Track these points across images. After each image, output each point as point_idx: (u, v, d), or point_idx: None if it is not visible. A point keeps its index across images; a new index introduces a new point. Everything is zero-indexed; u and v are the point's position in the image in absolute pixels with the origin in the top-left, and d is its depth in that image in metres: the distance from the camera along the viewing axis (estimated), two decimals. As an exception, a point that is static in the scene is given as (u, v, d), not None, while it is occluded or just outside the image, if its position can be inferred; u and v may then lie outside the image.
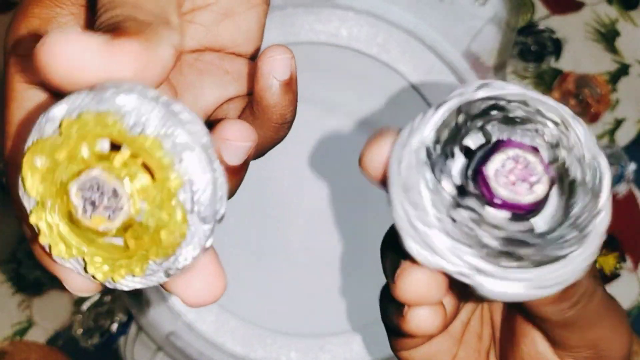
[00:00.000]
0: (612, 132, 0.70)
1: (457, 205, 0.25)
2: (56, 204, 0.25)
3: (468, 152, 0.26)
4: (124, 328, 0.67)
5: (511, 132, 0.26)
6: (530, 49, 0.71)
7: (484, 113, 0.26)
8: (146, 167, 0.25)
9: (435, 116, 0.26)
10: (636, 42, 0.71)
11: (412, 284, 0.27)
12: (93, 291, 0.27)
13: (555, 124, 0.26)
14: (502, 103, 0.26)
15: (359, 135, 0.66)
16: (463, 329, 0.34)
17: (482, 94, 0.26)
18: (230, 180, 0.29)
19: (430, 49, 0.64)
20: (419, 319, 0.28)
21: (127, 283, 0.26)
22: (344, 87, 0.65)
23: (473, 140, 0.26)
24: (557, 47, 0.71)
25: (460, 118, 0.26)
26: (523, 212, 0.25)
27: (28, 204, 0.26)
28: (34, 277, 0.67)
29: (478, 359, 0.34)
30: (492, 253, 0.25)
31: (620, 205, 0.69)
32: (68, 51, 0.24)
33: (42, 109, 0.25)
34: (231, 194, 0.31)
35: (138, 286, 0.26)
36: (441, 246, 0.25)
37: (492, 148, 0.25)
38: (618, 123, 0.70)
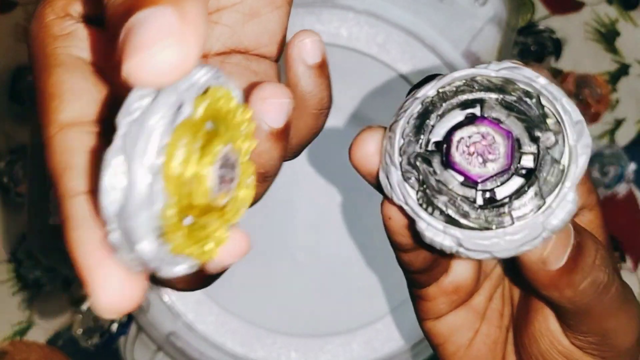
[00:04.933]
0: (612, 132, 0.70)
1: (421, 156, 0.28)
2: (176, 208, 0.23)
3: (467, 119, 0.29)
4: (124, 328, 0.67)
5: (503, 116, 0.28)
6: (530, 49, 0.70)
7: (487, 90, 0.28)
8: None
9: (446, 78, 0.28)
10: (636, 42, 0.71)
11: (363, 144, 0.29)
12: (127, 306, 0.23)
13: (546, 124, 0.28)
14: (509, 87, 0.28)
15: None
16: (486, 305, 0.35)
17: (500, 73, 0.28)
18: (274, 149, 0.28)
19: (430, 49, 0.64)
20: (392, 211, 0.30)
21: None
22: (344, 87, 0.65)
23: (477, 111, 0.28)
24: (557, 47, 0.71)
25: (465, 87, 0.28)
26: (472, 181, 0.28)
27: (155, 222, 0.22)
28: (34, 277, 0.67)
29: (499, 336, 0.35)
30: (429, 203, 0.28)
31: (620, 205, 0.69)
32: (166, 60, 0.21)
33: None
34: (277, 167, 0.30)
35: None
36: (395, 182, 0.28)
37: (470, 120, 0.28)
38: (618, 123, 0.70)
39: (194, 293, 0.64)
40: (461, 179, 0.28)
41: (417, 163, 0.28)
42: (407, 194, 0.28)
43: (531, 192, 0.28)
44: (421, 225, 0.28)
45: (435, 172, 0.28)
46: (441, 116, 0.28)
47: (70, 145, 0.26)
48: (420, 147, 0.28)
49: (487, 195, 0.28)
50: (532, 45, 0.71)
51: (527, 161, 0.28)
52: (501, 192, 0.28)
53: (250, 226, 0.71)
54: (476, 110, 0.28)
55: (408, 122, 0.28)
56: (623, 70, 0.70)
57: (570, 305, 0.30)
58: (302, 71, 0.30)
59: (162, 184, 0.22)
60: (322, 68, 0.31)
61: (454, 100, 0.28)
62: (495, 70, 0.28)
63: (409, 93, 0.30)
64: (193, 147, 0.23)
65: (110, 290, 0.22)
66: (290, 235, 0.66)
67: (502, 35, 0.64)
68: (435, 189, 0.28)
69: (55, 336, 0.67)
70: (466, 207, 0.28)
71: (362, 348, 0.63)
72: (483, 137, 0.27)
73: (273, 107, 0.28)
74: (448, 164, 0.28)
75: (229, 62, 0.32)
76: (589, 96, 0.70)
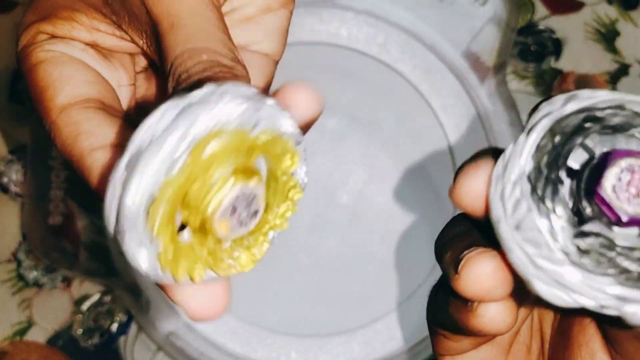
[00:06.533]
0: (612, 132, 0.70)
1: (581, 233, 0.23)
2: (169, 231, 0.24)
3: (573, 173, 0.23)
4: (124, 328, 0.67)
5: (614, 142, 0.23)
6: (530, 49, 0.70)
7: (580, 128, 0.23)
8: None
9: (528, 142, 0.23)
10: (636, 42, 0.71)
11: (477, 276, 0.24)
12: (219, 312, 0.27)
13: None
14: (595, 113, 0.23)
15: (359, 135, 0.66)
16: (512, 339, 0.32)
17: (571, 107, 0.23)
18: None
19: (430, 49, 0.64)
20: (492, 314, 0.25)
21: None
22: (344, 87, 0.65)
23: (575, 160, 0.23)
24: (557, 47, 0.71)
25: (556, 139, 0.23)
26: None
27: (151, 247, 0.24)
28: (34, 277, 0.67)
29: None
30: (633, 277, 0.22)
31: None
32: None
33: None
34: None
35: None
36: (575, 281, 0.22)
37: (600, 163, 0.23)
38: (618, 123, 0.70)
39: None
40: (636, 231, 0.23)
41: (587, 244, 0.23)
42: (604, 284, 0.22)
43: None
44: (633, 309, 0.22)
45: (611, 241, 0.23)
46: (559, 181, 0.23)
47: (75, 118, 0.28)
48: (574, 226, 0.23)
49: None
50: (532, 45, 0.71)
51: None
52: None
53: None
54: (573, 160, 0.24)
55: (537, 209, 0.23)
56: (623, 70, 0.70)
57: None
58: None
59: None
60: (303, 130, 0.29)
61: (562, 158, 0.23)
62: (561, 106, 0.23)
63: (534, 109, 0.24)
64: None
65: (197, 303, 0.26)
66: (291, 235, 0.66)
67: (502, 35, 0.64)
68: (629, 257, 0.23)
69: (55, 336, 0.67)
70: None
71: (362, 348, 0.63)
72: (631, 171, 0.22)
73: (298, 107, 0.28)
74: (617, 222, 0.22)
75: None
76: (589, 96, 0.70)
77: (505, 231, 0.23)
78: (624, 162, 0.22)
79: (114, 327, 0.67)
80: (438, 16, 0.64)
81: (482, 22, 0.64)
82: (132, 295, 0.64)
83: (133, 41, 0.31)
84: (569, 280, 0.22)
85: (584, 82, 0.70)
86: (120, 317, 0.67)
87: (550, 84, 0.70)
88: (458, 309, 0.26)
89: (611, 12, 0.71)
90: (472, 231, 0.26)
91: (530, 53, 0.70)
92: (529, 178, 0.23)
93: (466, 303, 0.26)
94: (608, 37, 0.71)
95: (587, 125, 0.23)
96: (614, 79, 0.70)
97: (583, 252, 0.22)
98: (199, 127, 0.22)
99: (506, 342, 0.32)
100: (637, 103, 0.23)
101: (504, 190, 0.23)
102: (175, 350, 0.63)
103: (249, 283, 0.65)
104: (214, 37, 0.27)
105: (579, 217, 0.23)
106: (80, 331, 0.67)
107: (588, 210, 0.23)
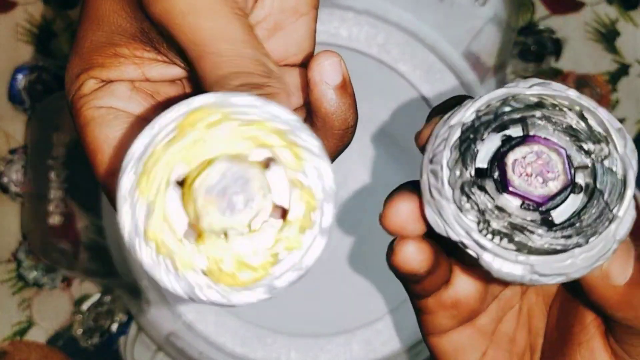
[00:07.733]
0: (612, 132, 0.70)
1: (474, 184, 0.27)
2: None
3: (507, 141, 0.28)
4: (124, 328, 0.67)
5: (549, 133, 0.27)
6: (530, 49, 0.70)
7: (528, 108, 0.27)
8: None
9: (481, 100, 0.27)
10: (636, 42, 0.71)
11: (395, 212, 0.29)
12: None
13: (595, 136, 0.27)
14: (548, 102, 0.27)
15: (359, 135, 0.66)
16: (494, 327, 0.33)
17: (534, 90, 0.27)
18: (345, 101, 0.31)
19: (430, 49, 0.64)
20: (404, 251, 0.29)
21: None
22: (344, 87, 0.65)
23: (514, 131, 0.28)
24: (557, 47, 0.71)
25: (504, 108, 0.27)
26: (534, 204, 0.27)
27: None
28: (34, 277, 0.67)
29: None
30: (494, 232, 0.27)
31: (620, 205, 0.68)
32: None
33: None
34: (354, 116, 0.32)
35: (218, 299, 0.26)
36: (450, 216, 0.27)
37: (521, 140, 0.27)
38: (618, 123, 0.70)
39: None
40: (519, 202, 0.27)
41: (472, 192, 0.27)
42: (468, 227, 0.27)
43: (598, 206, 0.27)
44: (487, 258, 0.27)
45: (493, 199, 0.27)
46: (483, 141, 0.27)
47: None
48: (470, 175, 0.27)
49: (550, 215, 0.27)
50: (532, 45, 0.71)
51: (581, 176, 0.27)
52: (562, 211, 0.27)
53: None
54: (513, 131, 0.28)
55: (451, 152, 0.27)
56: (623, 70, 0.70)
57: None
58: (324, 93, 0.30)
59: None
60: (344, 88, 0.31)
61: (496, 123, 0.27)
62: (527, 87, 0.27)
63: (429, 117, 0.29)
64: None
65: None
66: (290, 235, 0.66)
67: (502, 35, 0.64)
68: (497, 217, 0.27)
69: (55, 336, 0.67)
70: (536, 231, 0.27)
71: (362, 348, 0.63)
72: (538, 156, 0.27)
73: (328, 68, 0.30)
74: (504, 188, 0.27)
75: None
76: (589, 96, 0.70)
77: (424, 158, 0.28)
78: (536, 147, 0.27)
79: (114, 327, 0.67)
80: (438, 16, 0.64)
81: (482, 22, 0.64)
82: (132, 295, 0.64)
83: (176, 63, 0.32)
84: (446, 213, 0.27)
85: (584, 82, 0.70)
86: (120, 317, 0.67)
87: (550, 84, 0.70)
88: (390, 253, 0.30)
89: (611, 12, 0.71)
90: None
91: (530, 53, 0.70)
92: (463, 126, 0.27)
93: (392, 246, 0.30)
94: (608, 37, 0.71)
95: (536, 110, 0.27)
96: (614, 79, 0.70)
97: (468, 198, 0.27)
98: (174, 114, 0.24)
99: (487, 328, 0.33)
100: (589, 110, 0.28)
101: (441, 129, 0.28)
102: (175, 350, 0.64)
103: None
104: (241, 57, 0.28)
105: (482, 173, 0.27)
106: (80, 331, 0.67)
107: (493, 172, 0.27)
